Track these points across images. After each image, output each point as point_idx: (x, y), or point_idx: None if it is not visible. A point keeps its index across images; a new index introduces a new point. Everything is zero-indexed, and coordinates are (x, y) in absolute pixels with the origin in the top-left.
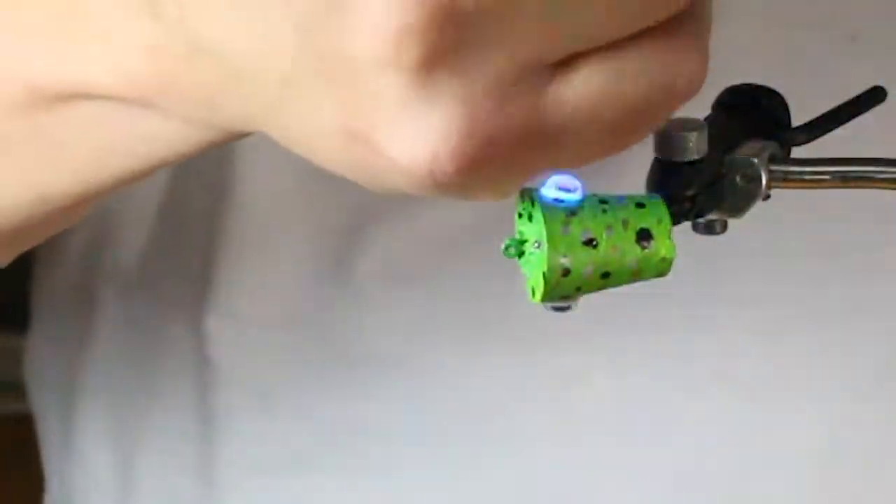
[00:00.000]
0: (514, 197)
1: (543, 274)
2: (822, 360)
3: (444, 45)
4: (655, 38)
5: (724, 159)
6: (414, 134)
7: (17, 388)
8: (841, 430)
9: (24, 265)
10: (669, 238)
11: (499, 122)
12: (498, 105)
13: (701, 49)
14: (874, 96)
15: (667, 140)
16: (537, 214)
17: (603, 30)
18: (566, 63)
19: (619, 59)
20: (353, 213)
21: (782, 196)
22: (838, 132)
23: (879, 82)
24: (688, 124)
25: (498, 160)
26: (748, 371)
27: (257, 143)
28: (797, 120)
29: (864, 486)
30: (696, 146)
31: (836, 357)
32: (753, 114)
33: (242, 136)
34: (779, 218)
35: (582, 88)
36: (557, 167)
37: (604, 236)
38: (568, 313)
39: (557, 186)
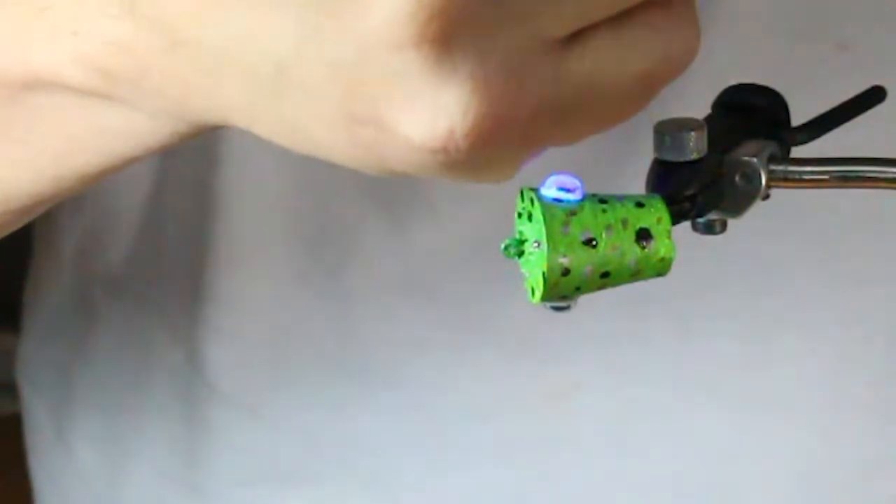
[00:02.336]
0: (514, 199)
1: (543, 273)
2: (813, 371)
3: (460, 23)
4: (654, 9)
5: (723, 159)
6: (430, 111)
7: (11, 388)
8: (832, 439)
9: (18, 266)
10: (669, 238)
11: (514, 98)
12: (513, 81)
13: (694, 19)
14: (874, 96)
15: (666, 140)
16: (537, 214)
17: (609, 3)
18: (574, 37)
19: (623, 31)
20: (342, 226)
21: (773, 208)
22: (838, 132)
23: None
24: (688, 124)
25: (510, 136)
26: (739, 382)
27: (244, 154)
28: None
29: (854, 495)
30: (695, 146)
31: (827, 367)
32: (753, 114)
33: (211, 130)
34: (768, 229)
35: (591, 61)
36: (561, 142)
37: (603, 236)
38: (560, 325)
39: (557, 186)
